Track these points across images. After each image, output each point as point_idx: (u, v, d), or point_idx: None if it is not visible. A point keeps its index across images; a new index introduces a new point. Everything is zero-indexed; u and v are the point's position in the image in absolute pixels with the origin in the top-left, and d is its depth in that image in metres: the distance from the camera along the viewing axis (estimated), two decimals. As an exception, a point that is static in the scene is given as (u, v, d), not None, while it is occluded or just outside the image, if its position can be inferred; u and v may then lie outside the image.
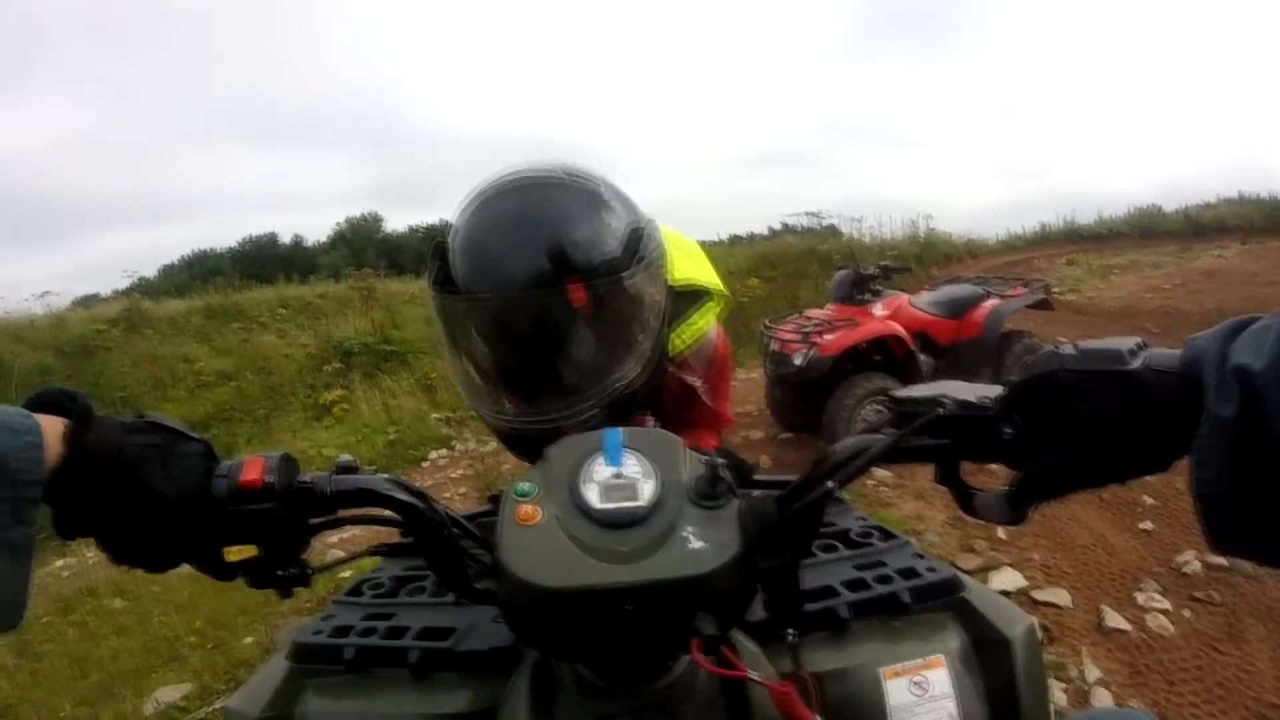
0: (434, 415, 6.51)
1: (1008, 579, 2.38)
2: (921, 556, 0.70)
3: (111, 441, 0.42)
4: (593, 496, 0.46)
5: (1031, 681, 0.60)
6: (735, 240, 15.02)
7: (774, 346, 4.01)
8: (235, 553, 0.44)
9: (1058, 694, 1.91)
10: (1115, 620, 2.20)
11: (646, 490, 0.46)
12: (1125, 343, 0.43)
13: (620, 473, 0.48)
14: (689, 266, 0.92)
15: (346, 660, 0.62)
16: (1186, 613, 2.25)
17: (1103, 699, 1.88)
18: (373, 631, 0.65)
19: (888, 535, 0.75)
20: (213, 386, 8.47)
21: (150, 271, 27.56)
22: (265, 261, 26.72)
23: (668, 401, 0.97)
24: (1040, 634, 1.90)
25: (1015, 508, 0.45)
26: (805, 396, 3.92)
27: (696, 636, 0.42)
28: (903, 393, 0.50)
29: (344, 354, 8.35)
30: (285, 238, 34.70)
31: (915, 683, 0.58)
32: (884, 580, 0.65)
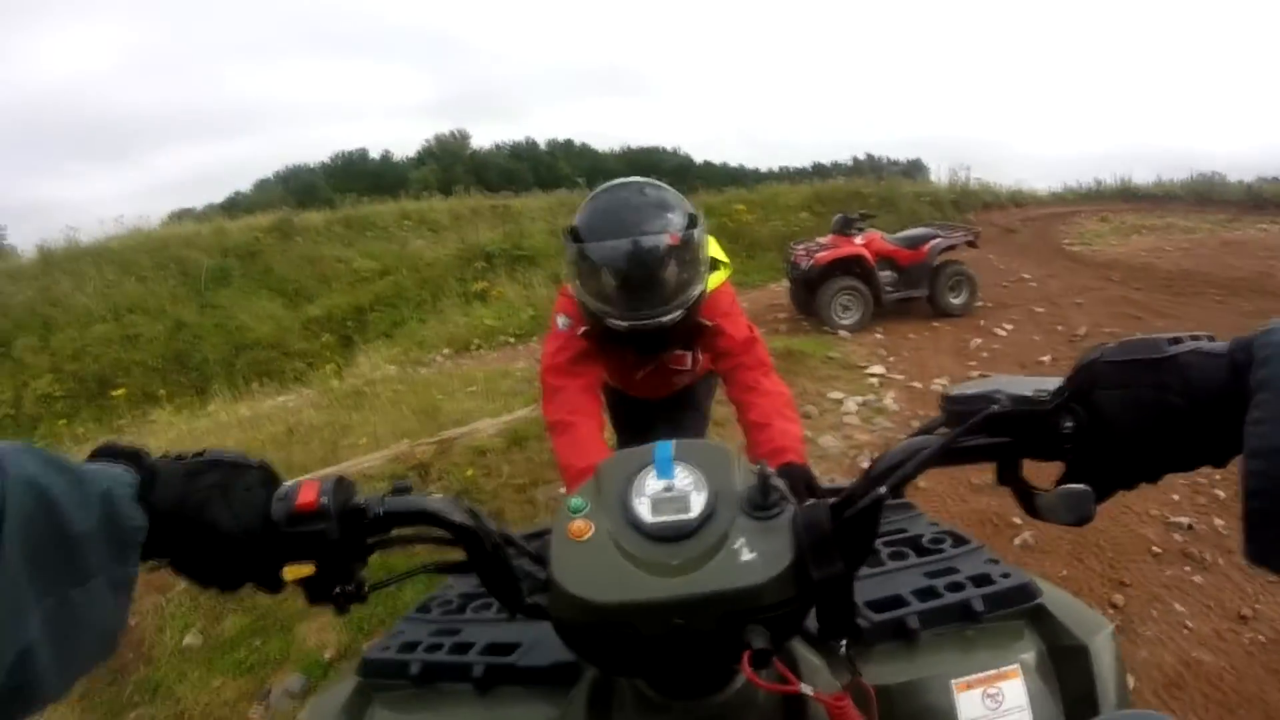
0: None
1: (877, 370, 4.88)
2: (996, 562, 0.69)
3: (176, 492, 0.44)
4: (644, 510, 0.46)
5: (1112, 690, 0.58)
6: (802, 173, 17.52)
7: (791, 258, 6.57)
8: (292, 571, 0.46)
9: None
10: (917, 384, 4.67)
11: (698, 502, 0.46)
12: (1166, 335, 0.41)
13: (671, 485, 0.47)
14: (712, 248, 1.51)
15: (412, 675, 0.65)
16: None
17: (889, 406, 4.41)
18: (439, 647, 0.67)
19: (960, 540, 0.73)
20: (370, 281, 10.72)
21: (245, 185, 30.33)
22: (355, 175, 28.96)
23: (700, 344, 1.59)
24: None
25: (1080, 505, 0.41)
26: (808, 290, 6.43)
27: (747, 650, 0.42)
28: (955, 391, 0.49)
29: (486, 256, 10.82)
30: (373, 152, 37.51)
31: (989, 694, 0.57)
32: (956, 588, 0.64)
